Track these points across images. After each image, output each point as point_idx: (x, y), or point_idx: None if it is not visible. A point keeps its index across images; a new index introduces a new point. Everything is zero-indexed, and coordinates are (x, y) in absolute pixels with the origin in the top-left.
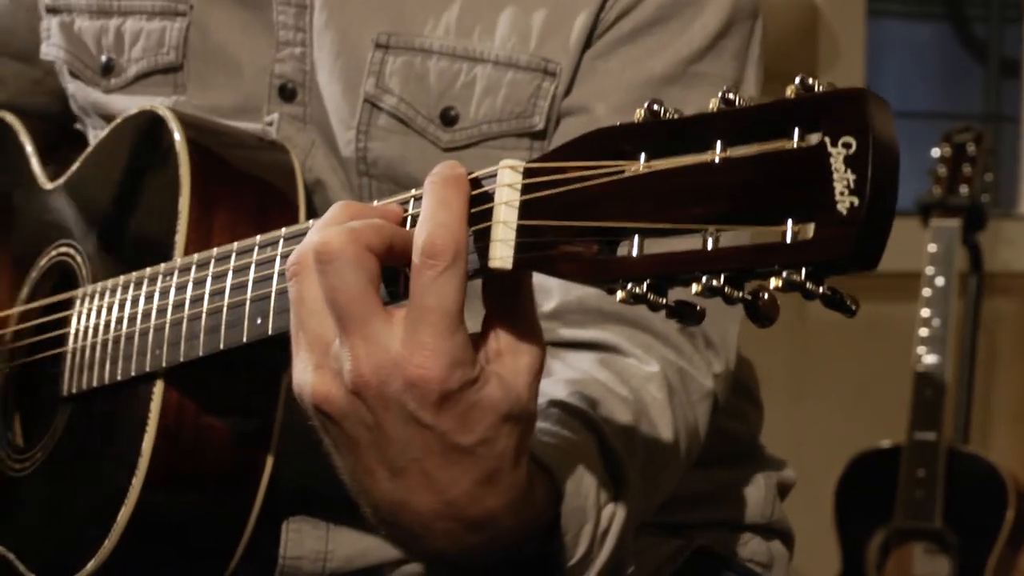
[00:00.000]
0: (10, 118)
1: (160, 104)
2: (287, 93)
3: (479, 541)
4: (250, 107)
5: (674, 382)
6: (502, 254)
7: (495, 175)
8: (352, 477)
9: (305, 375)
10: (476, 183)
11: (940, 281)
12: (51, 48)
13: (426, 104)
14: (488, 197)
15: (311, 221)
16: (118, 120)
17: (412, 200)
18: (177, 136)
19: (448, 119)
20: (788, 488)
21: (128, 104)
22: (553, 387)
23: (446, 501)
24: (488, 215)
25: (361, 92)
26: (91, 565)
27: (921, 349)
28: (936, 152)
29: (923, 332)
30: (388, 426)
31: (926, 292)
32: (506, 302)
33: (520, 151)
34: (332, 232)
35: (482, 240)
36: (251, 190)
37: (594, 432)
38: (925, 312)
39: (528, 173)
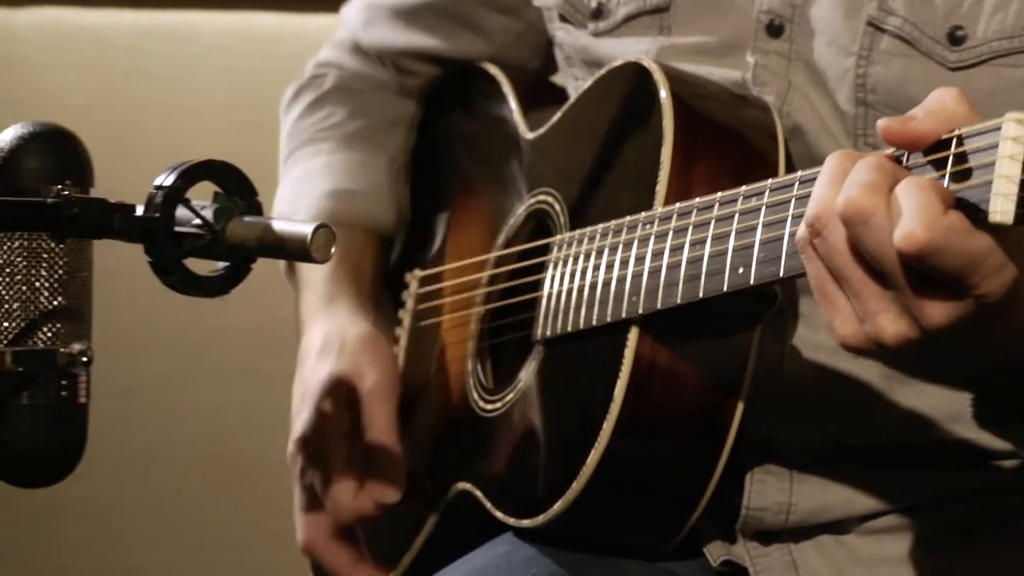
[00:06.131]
0: (494, 70)
1: (645, 49)
2: (774, 29)
3: None
4: (735, 45)
5: None
6: (1003, 208)
7: (999, 128)
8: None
9: (875, 323)
10: (973, 136)
11: None
12: None
13: (932, 24)
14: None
15: (799, 173)
16: (601, 72)
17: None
18: (662, 90)
19: (955, 39)
20: None
21: (614, 47)
22: None
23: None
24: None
25: (863, 15)
26: (559, 506)
27: None
28: None
29: None
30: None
31: None
32: None
33: None
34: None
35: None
36: (732, 145)
37: None
38: None
39: None
